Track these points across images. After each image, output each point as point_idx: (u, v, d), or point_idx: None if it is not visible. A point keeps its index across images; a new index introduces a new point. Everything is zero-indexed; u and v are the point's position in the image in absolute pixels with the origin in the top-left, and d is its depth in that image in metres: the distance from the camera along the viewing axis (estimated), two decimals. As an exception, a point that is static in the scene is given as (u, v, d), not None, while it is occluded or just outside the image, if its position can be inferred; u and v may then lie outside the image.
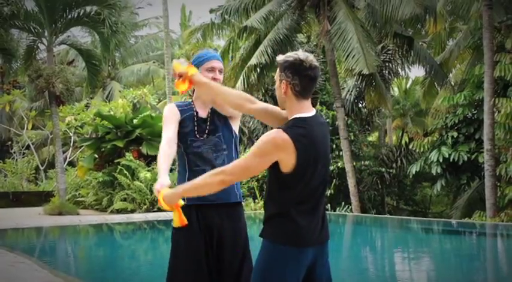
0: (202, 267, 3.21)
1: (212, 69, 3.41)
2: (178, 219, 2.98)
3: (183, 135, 3.40)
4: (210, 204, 3.26)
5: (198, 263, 3.21)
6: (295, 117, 2.82)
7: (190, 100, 3.55)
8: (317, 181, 2.82)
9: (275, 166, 2.77)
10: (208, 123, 3.44)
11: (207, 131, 3.42)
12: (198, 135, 3.40)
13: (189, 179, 3.25)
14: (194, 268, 3.21)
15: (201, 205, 3.26)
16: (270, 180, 2.86)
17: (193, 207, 3.26)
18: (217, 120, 3.47)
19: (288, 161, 2.72)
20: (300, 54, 2.87)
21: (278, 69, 2.91)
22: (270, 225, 2.81)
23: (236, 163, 2.84)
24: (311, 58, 2.86)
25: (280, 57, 2.92)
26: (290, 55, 2.88)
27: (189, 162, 3.38)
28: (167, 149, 3.30)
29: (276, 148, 2.71)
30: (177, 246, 3.28)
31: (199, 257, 3.22)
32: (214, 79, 3.38)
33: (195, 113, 3.45)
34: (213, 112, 3.48)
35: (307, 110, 2.86)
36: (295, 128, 2.76)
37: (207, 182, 2.83)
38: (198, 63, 3.44)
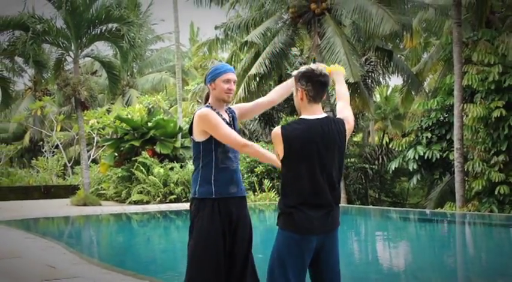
0: (221, 246, 3.23)
1: (228, 81, 3.36)
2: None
3: None
4: (231, 197, 3.27)
5: (218, 242, 3.22)
6: (300, 118, 2.89)
7: (209, 104, 3.42)
8: (319, 178, 2.81)
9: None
10: (233, 126, 3.41)
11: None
12: None
13: (215, 176, 3.27)
14: (216, 245, 3.21)
15: (225, 197, 3.27)
16: (281, 175, 2.94)
17: (216, 200, 3.27)
18: (235, 122, 3.46)
19: (280, 151, 2.84)
20: (312, 65, 2.94)
21: (294, 82, 2.96)
22: (280, 215, 2.88)
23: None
24: (321, 68, 2.93)
25: (295, 72, 2.99)
26: (303, 67, 2.95)
27: (216, 160, 3.29)
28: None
29: (273, 139, 2.88)
30: (202, 228, 3.25)
31: (219, 236, 3.23)
32: (229, 89, 3.36)
33: (223, 117, 3.37)
34: (232, 117, 3.47)
35: (316, 113, 2.88)
36: (293, 124, 2.85)
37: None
38: (215, 75, 3.38)
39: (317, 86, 2.87)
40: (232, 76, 3.40)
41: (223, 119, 3.35)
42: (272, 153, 3.22)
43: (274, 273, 2.81)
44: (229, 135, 3.24)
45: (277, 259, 2.81)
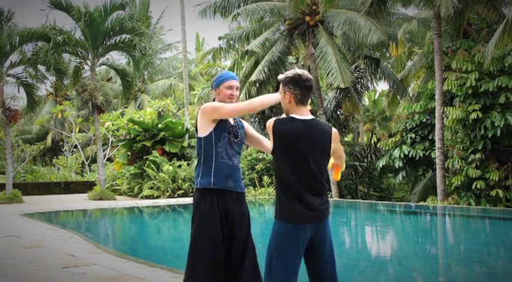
0: (219, 237, 3.22)
1: (230, 87, 3.36)
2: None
3: (219, 129, 3.31)
4: (228, 191, 3.24)
5: (217, 232, 3.22)
6: (290, 116, 2.87)
7: None
8: (306, 172, 2.81)
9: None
10: (237, 130, 3.41)
11: (236, 135, 3.38)
12: (232, 136, 3.34)
13: (215, 168, 3.27)
14: (214, 235, 3.21)
15: (222, 190, 3.25)
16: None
17: (213, 192, 3.26)
18: (240, 128, 3.45)
19: (271, 140, 2.85)
20: (298, 70, 2.91)
21: (281, 85, 2.92)
22: (275, 207, 2.87)
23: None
24: (306, 72, 2.91)
25: (281, 76, 2.95)
26: (290, 72, 2.91)
27: (217, 154, 3.28)
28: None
29: (268, 129, 2.88)
30: (201, 219, 3.25)
31: (217, 228, 3.22)
32: (231, 95, 3.36)
33: (227, 120, 3.37)
34: (238, 124, 3.45)
35: (304, 115, 2.87)
36: (284, 120, 2.84)
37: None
38: (219, 82, 3.39)
39: (304, 90, 2.87)
40: (235, 83, 3.39)
41: (228, 122, 3.36)
42: (271, 94, 3.26)
43: (272, 261, 2.79)
44: (234, 106, 3.29)
45: (275, 248, 2.79)
